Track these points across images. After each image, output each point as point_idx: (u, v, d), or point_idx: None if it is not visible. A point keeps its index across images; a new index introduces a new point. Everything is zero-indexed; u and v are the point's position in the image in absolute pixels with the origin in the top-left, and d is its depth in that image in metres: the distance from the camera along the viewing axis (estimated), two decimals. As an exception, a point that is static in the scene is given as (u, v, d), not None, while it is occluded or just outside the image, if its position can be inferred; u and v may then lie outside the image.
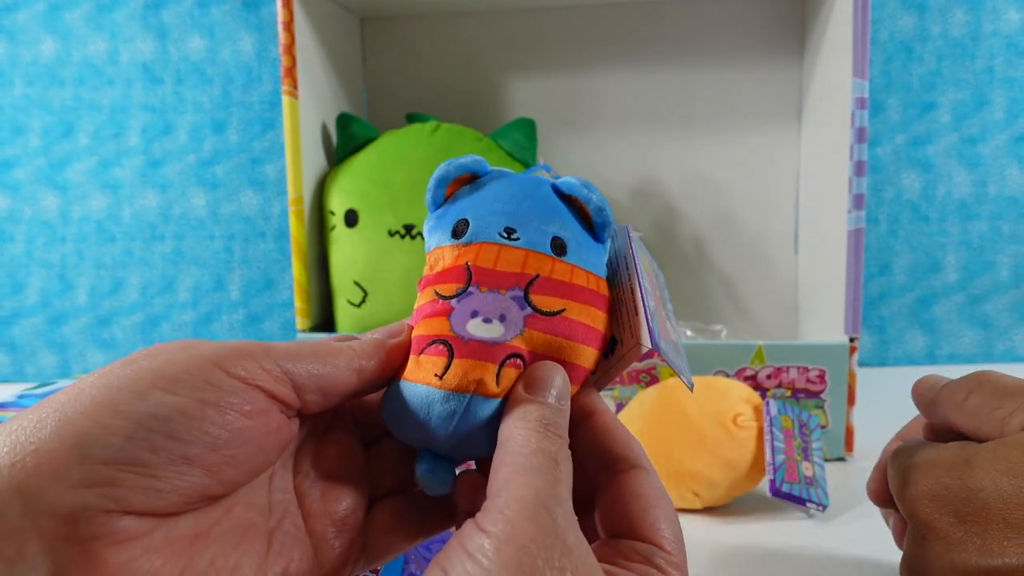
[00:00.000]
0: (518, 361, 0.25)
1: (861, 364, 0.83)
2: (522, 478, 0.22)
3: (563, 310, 0.26)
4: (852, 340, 0.59)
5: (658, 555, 0.24)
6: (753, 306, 0.82)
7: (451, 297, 0.26)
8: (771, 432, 0.49)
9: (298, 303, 0.68)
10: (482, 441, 0.25)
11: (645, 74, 0.81)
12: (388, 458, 0.29)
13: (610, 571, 0.23)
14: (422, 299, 0.27)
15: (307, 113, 0.68)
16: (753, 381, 0.59)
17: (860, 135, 0.58)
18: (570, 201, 0.28)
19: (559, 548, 0.20)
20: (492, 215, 0.27)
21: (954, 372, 0.90)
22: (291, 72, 0.66)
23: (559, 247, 0.27)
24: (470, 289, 0.26)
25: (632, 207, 0.82)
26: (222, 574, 0.22)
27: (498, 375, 0.25)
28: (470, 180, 0.29)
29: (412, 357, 0.26)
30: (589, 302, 0.27)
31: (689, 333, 0.73)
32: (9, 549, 0.18)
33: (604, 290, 0.28)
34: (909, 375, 0.88)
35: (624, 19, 0.80)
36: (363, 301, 0.69)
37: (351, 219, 0.68)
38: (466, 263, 0.27)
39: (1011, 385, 0.31)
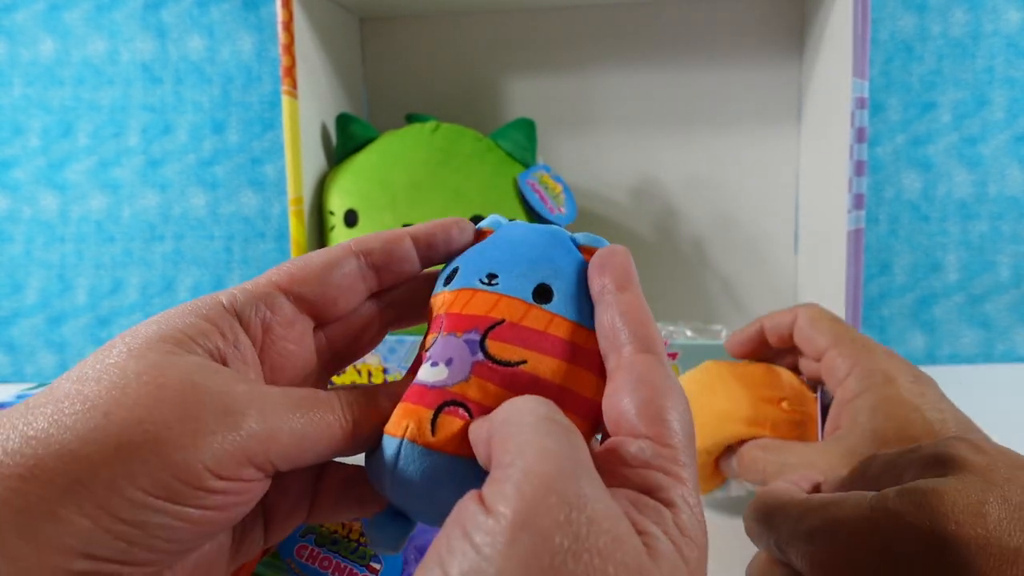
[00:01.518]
0: (460, 411, 0.23)
1: (861, 364, 0.83)
2: (539, 443, 0.18)
3: (523, 362, 0.24)
4: (852, 340, 0.59)
5: (633, 445, 0.21)
6: (753, 306, 0.81)
7: (427, 349, 0.25)
8: (821, 419, 0.47)
9: (298, 303, 0.68)
10: (422, 498, 0.23)
11: (645, 74, 0.81)
12: None
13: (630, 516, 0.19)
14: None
15: (307, 113, 0.68)
16: (753, 381, 0.59)
17: (860, 135, 0.58)
18: (586, 252, 0.26)
19: (585, 526, 0.17)
20: (481, 262, 0.26)
21: (954, 372, 0.89)
22: (291, 72, 0.66)
23: (542, 294, 0.25)
24: (439, 338, 0.25)
25: (632, 207, 0.82)
26: (202, 569, 0.23)
27: (433, 422, 0.23)
28: (487, 234, 0.28)
29: None
30: (565, 358, 0.24)
31: (689, 333, 0.73)
32: None
33: (591, 345, 0.25)
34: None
35: (624, 19, 0.80)
36: (363, 301, 0.69)
37: (351, 219, 0.68)
38: (443, 312, 0.26)
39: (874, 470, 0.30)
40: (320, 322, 0.27)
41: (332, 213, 0.69)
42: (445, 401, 0.23)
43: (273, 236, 0.91)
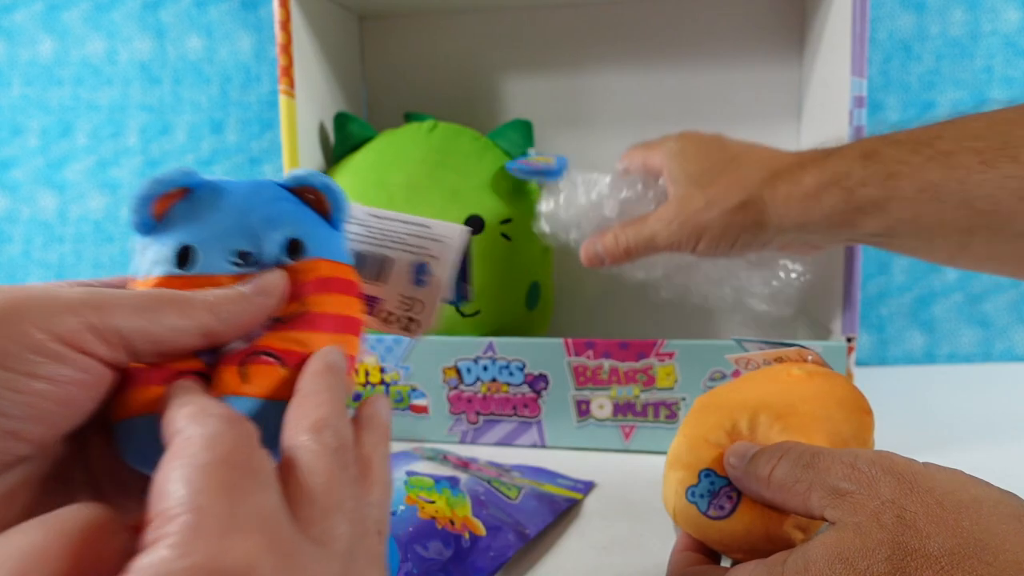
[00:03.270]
0: (267, 359, 0.25)
1: (861, 364, 0.83)
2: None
3: (305, 311, 0.26)
4: (849, 340, 0.59)
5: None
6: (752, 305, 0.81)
7: None
8: None
9: (296, 303, 0.68)
10: None
11: (644, 74, 0.80)
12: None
13: None
14: None
15: (305, 113, 0.68)
16: (752, 381, 0.59)
17: (858, 134, 0.58)
18: (301, 194, 0.28)
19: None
20: (218, 238, 0.27)
21: (954, 371, 0.89)
22: (288, 71, 0.66)
23: (296, 248, 0.27)
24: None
25: (631, 207, 0.82)
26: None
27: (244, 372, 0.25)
28: (181, 195, 0.28)
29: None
30: (334, 291, 0.27)
31: (688, 333, 0.73)
32: None
33: (349, 276, 0.28)
34: (909, 375, 0.88)
35: (623, 18, 0.80)
36: (361, 301, 0.69)
37: (349, 219, 0.68)
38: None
39: (810, 453, 0.30)
40: None
41: (331, 213, 0.69)
42: (250, 353, 0.25)
43: (272, 236, 0.91)
